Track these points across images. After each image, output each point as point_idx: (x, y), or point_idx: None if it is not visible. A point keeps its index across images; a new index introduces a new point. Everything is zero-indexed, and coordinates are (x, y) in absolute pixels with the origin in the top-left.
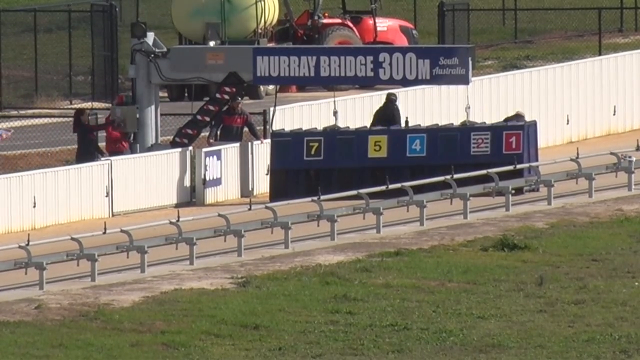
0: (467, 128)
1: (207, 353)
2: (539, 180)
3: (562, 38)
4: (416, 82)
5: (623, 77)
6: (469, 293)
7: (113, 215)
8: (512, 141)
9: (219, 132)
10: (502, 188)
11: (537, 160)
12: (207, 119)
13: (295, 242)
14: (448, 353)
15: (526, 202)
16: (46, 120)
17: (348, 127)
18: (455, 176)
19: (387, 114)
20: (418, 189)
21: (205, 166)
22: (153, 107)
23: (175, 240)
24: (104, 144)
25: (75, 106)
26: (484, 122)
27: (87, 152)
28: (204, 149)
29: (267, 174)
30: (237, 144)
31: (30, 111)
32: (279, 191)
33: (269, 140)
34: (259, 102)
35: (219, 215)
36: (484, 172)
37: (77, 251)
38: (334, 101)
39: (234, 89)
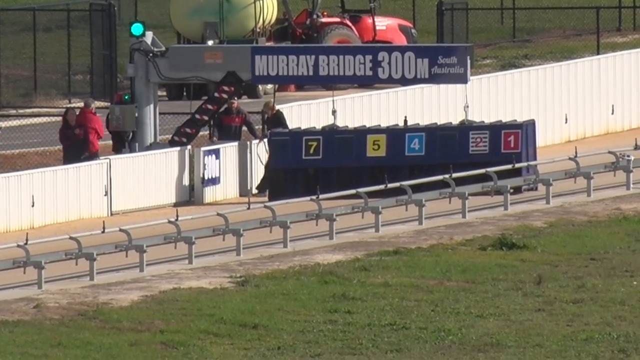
0: (466, 127)
1: (206, 352)
2: (538, 179)
3: (561, 37)
4: (415, 81)
5: (621, 76)
6: (468, 292)
7: (112, 215)
8: (510, 140)
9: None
10: (501, 187)
11: (535, 159)
12: (206, 118)
13: (294, 241)
14: (447, 352)
15: (525, 201)
16: (45, 119)
17: (347, 126)
18: (454, 175)
19: None
20: (417, 188)
21: (204, 165)
22: (152, 106)
23: (174, 239)
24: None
25: (73, 105)
26: (483, 121)
27: (72, 153)
28: (203, 148)
29: None
30: (236, 143)
31: (29, 110)
32: (277, 190)
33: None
34: (258, 101)
35: (218, 214)
36: (482, 171)
37: (75, 250)
38: (333, 100)
39: (233, 88)
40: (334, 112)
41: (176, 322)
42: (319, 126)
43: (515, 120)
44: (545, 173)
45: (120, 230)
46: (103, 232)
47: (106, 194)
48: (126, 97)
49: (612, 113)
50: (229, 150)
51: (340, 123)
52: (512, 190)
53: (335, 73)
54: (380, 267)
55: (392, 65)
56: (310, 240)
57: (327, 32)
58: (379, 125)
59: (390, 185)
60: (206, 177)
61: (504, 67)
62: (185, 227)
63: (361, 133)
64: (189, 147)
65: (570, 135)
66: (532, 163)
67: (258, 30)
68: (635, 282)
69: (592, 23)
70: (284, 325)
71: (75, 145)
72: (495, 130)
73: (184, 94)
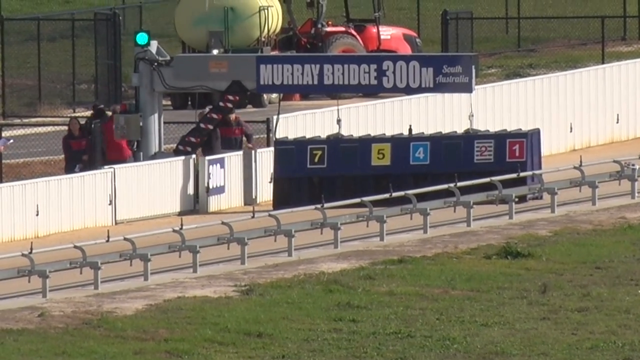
0: (471, 136)
1: None
2: (542, 188)
3: (566, 46)
4: (420, 90)
5: (626, 85)
6: (473, 301)
7: (116, 223)
8: (515, 149)
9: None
10: (506, 196)
11: (540, 168)
12: (211, 127)
13: (298, 250)
14: None
15: (529, 210)
16: (49, 128)
17: (351, 135)
18: (459, 184)
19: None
20: (421, 197)
21: (209, 174)
22: (156, 115)
23: (178, 248)
24: None
25: (77, 114)
26: (488, 130)
27: (75, 163)
28: (207, 157)
29: (270, 182)
30: (240, 152)
31: (33, 119)
32: (282, 199)
33: (272, 148)
34: (263, 110)
35: (223, 223)
36: (487, 180)
37: (80, 259)
38: (338, 109)
39: (238, 98)
40: (338, 121)
41: (180, 331)
42: (323, 135)
43: (520, 129)
44: (550, 182)
45: (125, 239)
46: (107, 241)
47: (111, 203)
48: (131, 107)
49: (617, 122)
50: (234, 159)
51: (345, 132)
52: (517, 199)
53: (340, 82)
54: (385, 275)
55: (397, 75)
56: (315, 249)
57: (331, 42)
58: (384, 134)
59: (395, 194)
60: (211, 186)
61: (509, 77)
62: (190, 235)
63: (366, 142)
64: (193, 156)
65: (575, 144)
66: (537, 172)
67: (263, 39)
68: None
69: (597, 32)
70: (288, 334)
71: (77, 156)
72: (500, 139)
73: (189, 103)
